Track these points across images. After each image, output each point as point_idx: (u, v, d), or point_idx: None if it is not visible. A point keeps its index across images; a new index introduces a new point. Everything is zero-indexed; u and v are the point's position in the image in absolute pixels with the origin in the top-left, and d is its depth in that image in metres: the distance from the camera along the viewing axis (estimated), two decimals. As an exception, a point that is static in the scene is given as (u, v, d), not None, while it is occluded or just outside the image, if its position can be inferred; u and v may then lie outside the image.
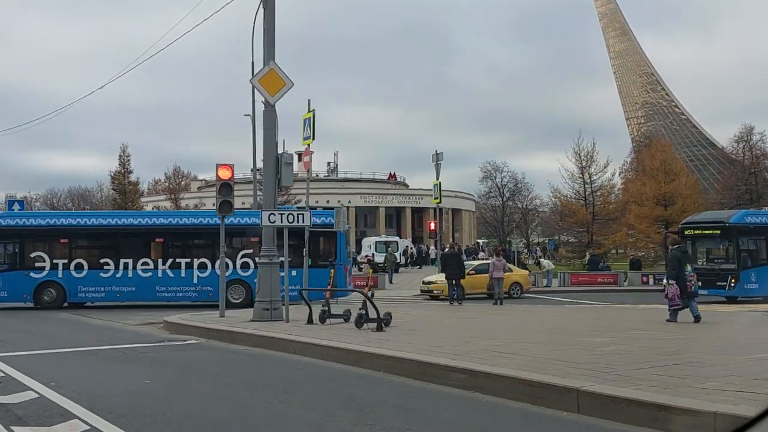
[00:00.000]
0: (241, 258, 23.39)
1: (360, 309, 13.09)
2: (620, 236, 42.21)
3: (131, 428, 6.47)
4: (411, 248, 54.61)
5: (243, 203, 67.23)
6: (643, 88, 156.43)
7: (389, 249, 40.41)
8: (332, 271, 20.94)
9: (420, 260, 52.47)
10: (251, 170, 74.33)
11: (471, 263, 28.22)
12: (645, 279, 32.62)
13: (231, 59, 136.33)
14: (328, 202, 63.67)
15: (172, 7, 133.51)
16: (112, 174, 44.27)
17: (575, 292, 30.33)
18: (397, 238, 52.68)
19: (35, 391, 8.43)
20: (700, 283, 16.46)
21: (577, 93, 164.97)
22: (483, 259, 35.00)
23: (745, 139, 76.70)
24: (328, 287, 16.09)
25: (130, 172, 44.24)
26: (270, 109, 15.77)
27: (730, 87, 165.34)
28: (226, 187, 16.82)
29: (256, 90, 15.57)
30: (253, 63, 30.28)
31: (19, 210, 30.27)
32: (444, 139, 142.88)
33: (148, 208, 57.80)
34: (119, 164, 43.90)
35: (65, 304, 23.43)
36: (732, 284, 23.88)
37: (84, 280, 23.40)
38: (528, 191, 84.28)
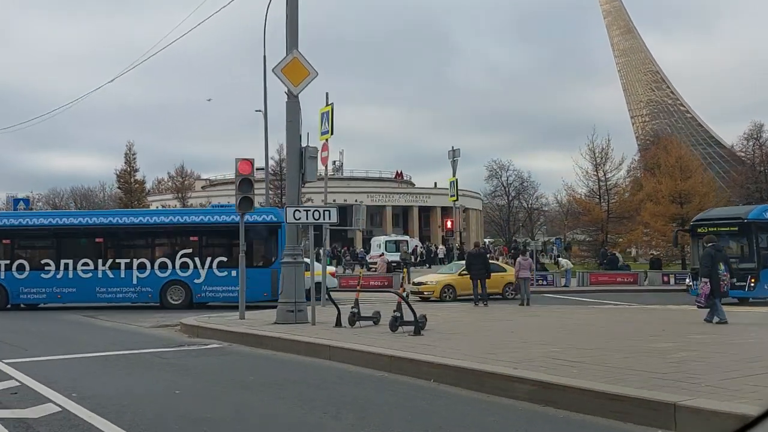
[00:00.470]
0: (181, 258, 22.73)
1: (394, 311, 12.28)
2: (636, 235, 41.39)
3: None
4: (420, 247, 53.83)
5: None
6: (648, 86, 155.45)
7: (403, 248, 39.60)
8: (273, 271, 21.04)
9: (429, 260, 51.71)
10: (262, 168, 73.31)
11: (460, 263, 27.34)
12: (666, 278, 31.78)
13: (232, 60, 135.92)
14: (334, 200, 62.65)
15: (172, 7, 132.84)
16: (118, 172, 43.50)
17: (595, 291, 29.50)
18: (407, 237, 51.88)
19: (56, 404, 7.65)
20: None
21: (578, 93, 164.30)
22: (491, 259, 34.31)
23: (755, 136, 75.98)
24: (358, 288, 15.20)
25: (136, 170, 43.52)
26: (293, 100, 14.98)
27: (731, 87, 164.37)
28: (246, 183, 16.01)
29: (278, 80, 14.71)
30: (264, 57, 29.67)
31: (24, 209, 29.53)
32: (444, 138, 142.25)
33: (155, 206, 57.06)
34: (125, 162, 43.14)
35: (8, 306, 22.93)
36: (752, 284, 22.92)
37: (26, 282, 22.88)
38: (534, 189, 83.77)
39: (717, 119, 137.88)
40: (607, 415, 6.43)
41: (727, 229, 24.11)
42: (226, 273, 22.29)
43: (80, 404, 7.61)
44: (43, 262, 23.07)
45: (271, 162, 43.36)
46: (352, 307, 13.55)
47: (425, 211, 74.54)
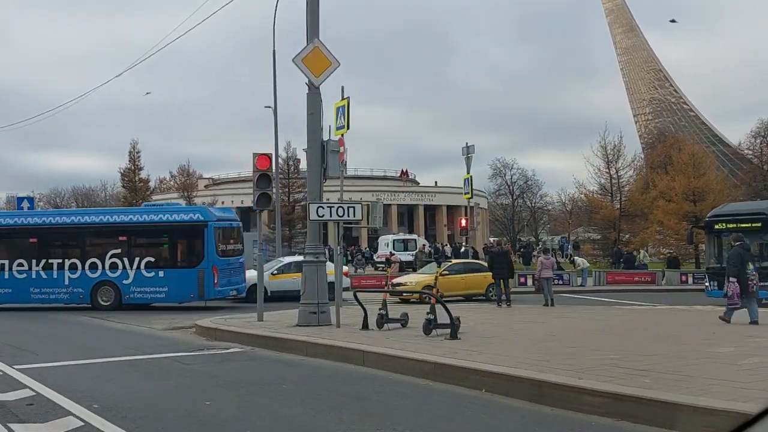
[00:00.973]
0: (110, 258, 22.12)
1: (428, 314, 11.58)
2: (649, 233, 40.66)
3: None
4: (427, 247, 53.07)
5: (248, 201, 66.21)
6: (651, 85, 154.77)
7: (417, 247, 38.87)
8: (200, 272, 20.86)
9: (436, 259, 50.87)
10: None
11: (447, 263, 26.71)
12: (684, 278, 31.07)
13: (232, 59, 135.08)
14: (339, 199, 62.08)
15: (172, 7, 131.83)
16: (122, 171, 42.81)
17: (612, 291, 28.77)
18: (415, 236, 51.14)
19: (77, 417, 6.98)
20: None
21: (578, 93, 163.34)
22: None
23: (762, 134, 75.33)
24: (386, 288, 14.48)
25: (141, 168, 42.79)
26: (314, 92, 14.29)
27: (731, 86, 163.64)
28: (264, 179, 15.30)
29: (300, 71, 14.00)
30: (274, 52, 28.97)
31: (28, 208, 28.80)
32: (444, 138, 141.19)
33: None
34: (129, 161, 42.44)
35: None
36: None
37: None
38: (538, 188, 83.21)
39: (718, 118, 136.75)
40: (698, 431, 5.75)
41: (749, 225, 23.20)
42: (153, 273, 21.76)
43: (103, 417, 6.95)
44: None
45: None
46: (380, 309, 12.86)
47: (430, 210, 73.82)
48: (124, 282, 21.83)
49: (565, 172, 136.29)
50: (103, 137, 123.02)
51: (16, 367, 10.31)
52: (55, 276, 22.16)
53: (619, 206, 40.75)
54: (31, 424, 6.82)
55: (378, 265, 44.66)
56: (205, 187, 69.26)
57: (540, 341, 10.82)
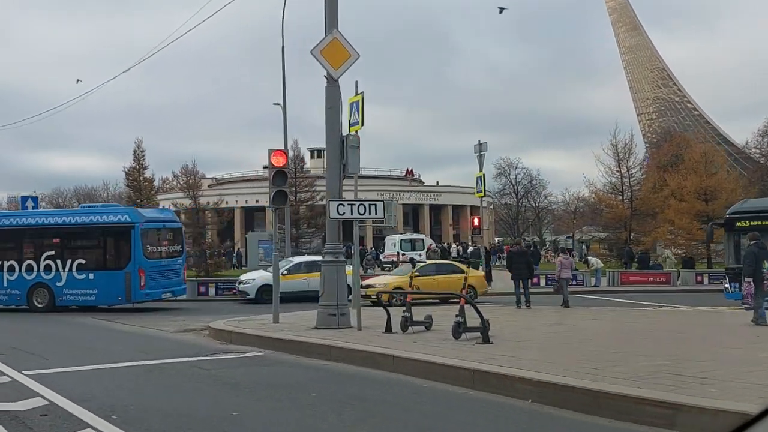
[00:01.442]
0: (45, 260, 21.96)
1: (457, 316, 11.03)
2: (661, 232, 40.07)
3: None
4: (434, 246, 52.50)
5: (252, 201, 65.67)
6: (654, 84, 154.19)
7: (425, 247, 38.27)
8: (127, 274, 20.80)
9: (444, 259, 50.28)
10: (266, 166, 71.77)
11: (421, 264, 26.06)
12: (699, 278, 30.50)
13: (231, 60, 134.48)
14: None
15: (172, 7, 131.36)
16: (126, 170, 42.12)
17: (627, 292, 28.20)
18: (423, 236, 50.53)
19: (97, 430, 6.44)
20: None
21: (578, 93, 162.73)
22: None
23: (770, 133, 74.72)
24: (410, 289, 13.93)
25: (145, 167, 42.09)
26: (333, 85, 13.76)
27: (732, 86, 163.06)
28: (280, 176, 14.75)
29: (319, 63, 13.46)
30: (283, 47, 28.38)
31: (33, 208, 28.30)
32: (444, 138, 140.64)
33: (164, 205, 55.79)
34: (134, 160, 41.73)
35: None
36: None
37: None
38: (542, 188, 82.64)
39: (719, 118, 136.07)
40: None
41: None
42: (84, 276, 21.70)
43: (125, 430, 6.42)
44: None
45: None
46: (404, 311, 12.31)
47: (435, 210, 73.22)
48: (57, 284, 21.78)
49: (565, 171, 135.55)
50: (104, 137, 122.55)
51: (25, 372, 9.79)
52: None
53: (630, 205, 40.15)
54: (47, 439, 6.32)
55: (386, 265, 44.08)
56: (208, 186, 68.73)
57: (578, 346, 10.28)
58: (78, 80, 44.30)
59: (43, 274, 21.84)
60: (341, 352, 10.45)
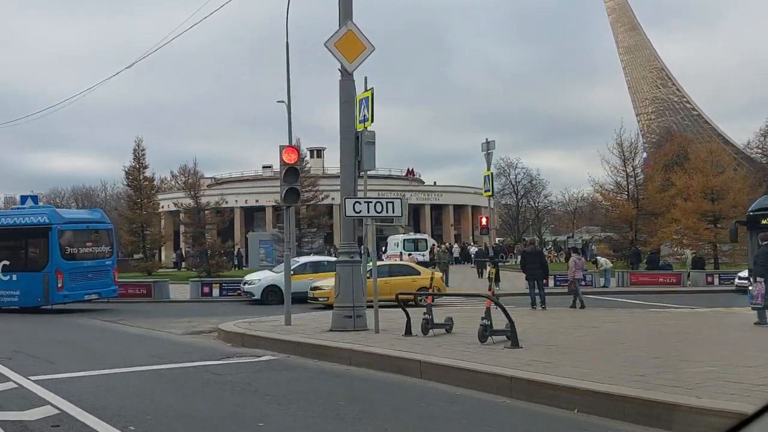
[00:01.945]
0: None
1: (482, 318, 10.55)
2: (668, 233, 39.62)
3: None
4: (437, 247, 52.02)
5: (252, 201, 65.14)
6: (653, 84, 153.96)
7: (428, 247, 37.75)
8: (45, 275, 20.66)
9: (491, 259, 49.58)
10: (269, 166, 71.01)
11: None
12: (710, 279, 30.06)
13: (231, 60, 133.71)
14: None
15: (172, 4, 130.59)
16: (127, 169, 41.68)
17: (637, 293, 27.73)
18: (426, 236, 50.01)
19: (115, 444, 5.96)
20: None
21: (577, 92, 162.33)
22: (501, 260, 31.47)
23: (772, 133, 74.54)
24: (430, 291, 13.43)
25: (146, 167, 41.60)
26: (347, 79, 13.30)
27: (732, 86, 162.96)
28: (292, 173, 14.25)
29: (333, 55, 12.98)
30: (287, 43, 27.91)
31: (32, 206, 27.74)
32: (444, 138, 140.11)
33: (166, 205, 55.31)
34: (134, 159, 41.27)
35: None
36: None
37: None
38: (542, 187, 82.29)
39: (718, 118, 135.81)
40: None
41: None
42: (8, 277, 21.61)
43: (145, 443, 5.94)
44: None
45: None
46: (425, 313, 11.84)
47: (436, 209, 72.72)
48: (334, 283, 20.96)
49: (564, 172, 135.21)
50: (102, 137, 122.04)
51: (32, 378, 9.30)
52: None
53: (636, 205, 39.68)
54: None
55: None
56: (207, 186, 68.17)
57: (614, 351, 9.79)
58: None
59: None
60: (363, 356, 9.96)
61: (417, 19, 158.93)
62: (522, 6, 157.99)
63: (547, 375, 7.51)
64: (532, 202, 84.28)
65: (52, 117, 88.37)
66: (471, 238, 70.42)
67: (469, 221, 75.06)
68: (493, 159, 73.71)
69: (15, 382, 9.05)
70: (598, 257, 31.68)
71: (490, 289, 11.35)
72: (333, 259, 23.75)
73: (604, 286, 29.29)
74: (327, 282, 22.86)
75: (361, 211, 12.37)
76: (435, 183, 77.84)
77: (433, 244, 51.45)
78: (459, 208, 74.40)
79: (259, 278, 24.82)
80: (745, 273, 23.99)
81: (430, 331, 11.66)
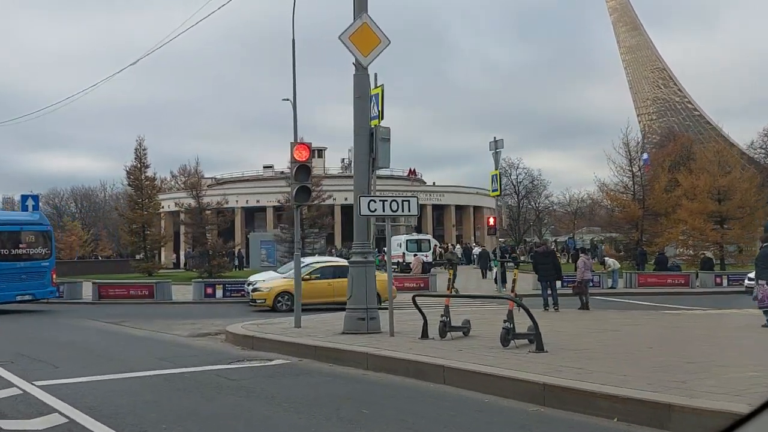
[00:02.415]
0: None
1: (505, 321, 10.16)
2: (674, 233, 39.26)
3: None
4: (439, 247, 51.74)
5: (252, 201, 64.70)
6: (655, 84, 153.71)
7: (431, 247, 37.38)
8: None
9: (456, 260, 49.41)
10: (270, 166, 70.61)
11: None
12: (718, 280, 29.69)
13: (230, 59, 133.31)
14: (346, 199, 60.74)
15: (172, 5, 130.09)
16: (128, 169, 41.30)
17: (646, 294, 27.37)
18: (429, 236, 49.57)
19: (131, 457, 5.57)
20: None
21: (577, 92, 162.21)
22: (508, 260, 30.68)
23: (776, 132, 74.22)
24: (449, 292, 13.04)
25: (147, 166, 41.23)
26: (362, 73, 12.93)
27: (731, 86, 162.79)
28: (303, 171, 13.85)
29: (347, 49, 12.60)
30: (293, 40, 27.55)
31: (33, 207, 27.33)
32: (444, 137, 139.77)
33: (167, 204, 54.86)
34: (135, 158, 40.88)
35: None
36: None
37: None
38: (543, 188, 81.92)
39: (720, 117, 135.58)
40: None
41: None
42: None
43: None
44: None
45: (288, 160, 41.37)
46: (442, 316, 11.45)
47: (438, 210, 72.31)
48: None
49: (564, 172, 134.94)
50: (102, 138, 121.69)
51: (36, 383, 8.90)
52: None
53: (642, 205, 39.34)
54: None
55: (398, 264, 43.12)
56: (207, 186, 67.79)
57: (644, 355, 9.40)
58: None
59: None
60: (381, 360, 9.58)
61: (417, 18, 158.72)
62: (522, 6, 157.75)
63: (584, 382, 7.13)
64: (532, 203, 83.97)
65: (51, 117, 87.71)
66: (473, 238, 70.00)
67: (470, 222, 74.70)
68: (490, 160, 73.20)
69: (19, 388, 8.66)
70: (606, 258, 31.29)
71: (513, 291, 10.96)
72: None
73: (611, 287, 28.93)
74: (266, 283, 22.81)
75: (376, 209, 11.98)
76: (434, 183, 77.49)
77: (436, 245, 51.13)
78: (460, 209, 74.01)
79: (263, 279, 24.31)
80: (753, 274, 23.75)
81: (448, 334, 11.28)
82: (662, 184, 40.97)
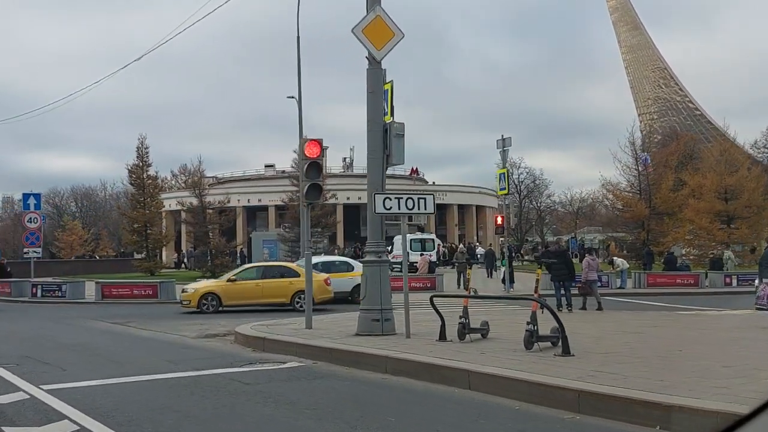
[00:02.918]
0: None
1: (528, 323, 9.82)
2: (681, 233, 38.93)
3: None
4: (443, 247, 51.39)
5: (254, 200, 64.35)
6: (656, 83, 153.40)
7: (435, 247, 37.00)
8: None
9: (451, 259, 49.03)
10: (271, 165, 70.37)
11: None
12: (728, 280, 29.34)
13: (229, 59, 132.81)
14: (348, 198, 60.52)
15: (172, 5, 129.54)
16: (130, 167, 40.98)
17: (656, 294, 26.98)
18: (432, 236, 49.19)
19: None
20: None
21: (577, 92, 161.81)
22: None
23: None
24: (468, 293, 12.71)
25: (149, 165, 40.92)
26: (375, 67, 12.57)
27: (731, 86, 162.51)
28: (314, 168, 13.50)
29: (360, 43, 12.27)
30: (298, 38, 27.25)
31: (35, 205, 27.06)
32: (444, 137, 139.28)
33: (169, 203, 54.44)
34: (137, 157, 40.56)
35: None
36: None
37: None
38: (545, 187, 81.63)
39: (719, 117, 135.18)
40: None
41: None
42: None
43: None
44: None
45: (293, 158, 41.02)
46: (461, 317, 11.10)
47: (440, 209, 71.84)
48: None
49: (564, 172, 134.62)
50: (101, 138, 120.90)
51: (43, 387, 8.58)
52: None
53: (649, 204, 38.98)
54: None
55: (393, 266, 42.75)
56: (209, 185, 67.42)
57: (676, 359, 9.06)
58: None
59: None
60: (401, 363, 9.23)
61: (417, 18, 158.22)
62: (522, 5, 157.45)
63: (623, 388, 6.77)
64: (534, 203, 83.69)
65: (50, 117, 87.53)
66: (475, 238, 69.65)
67: (473, 221, 74.37)
68: (496, 158, 72.79)
69: (26, 392, 8.33)
70: (615, 258, 30.95)
71: (536, 291, 10.63)
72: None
73: (620, 287, 28.57)
74: (192, 284, 22.35)
75: (391, 207, 11.64)
76: (434, 183, 77.05)
77: (439, 244, 50.79)
78: (463, 208, 73.66)
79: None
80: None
81: (467, 336, 10.93)
82: (669, 183, 40.63)
